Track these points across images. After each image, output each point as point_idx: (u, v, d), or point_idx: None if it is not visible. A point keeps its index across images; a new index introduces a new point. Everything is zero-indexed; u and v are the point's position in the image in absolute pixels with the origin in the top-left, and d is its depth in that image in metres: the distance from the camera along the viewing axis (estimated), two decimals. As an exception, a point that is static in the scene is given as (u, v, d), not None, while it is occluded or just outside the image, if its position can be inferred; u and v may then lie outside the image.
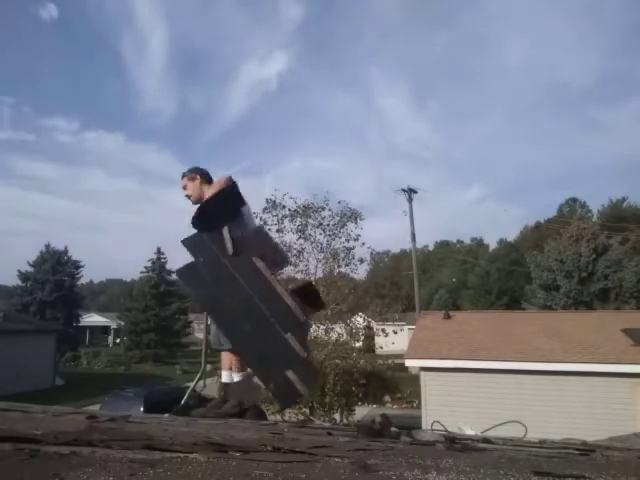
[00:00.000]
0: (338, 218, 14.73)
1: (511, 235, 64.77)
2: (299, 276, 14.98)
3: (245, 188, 3.02)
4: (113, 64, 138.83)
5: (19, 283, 38.93)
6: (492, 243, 65.31)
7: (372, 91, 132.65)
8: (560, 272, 31.11)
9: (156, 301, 37.61)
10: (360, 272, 16.36)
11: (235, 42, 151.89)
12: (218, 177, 3.33)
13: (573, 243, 31.28)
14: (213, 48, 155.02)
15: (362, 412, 14.29)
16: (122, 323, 40.87)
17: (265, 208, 14.12)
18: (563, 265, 31.05)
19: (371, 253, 16.00)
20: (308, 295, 2.65)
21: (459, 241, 74.38)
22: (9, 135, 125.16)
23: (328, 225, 14.72)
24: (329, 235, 14.77)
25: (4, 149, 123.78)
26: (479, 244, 67.84)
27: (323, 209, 14.70)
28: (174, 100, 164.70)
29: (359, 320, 16.38)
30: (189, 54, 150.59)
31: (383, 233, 77.65)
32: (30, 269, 38.72)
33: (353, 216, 14.83)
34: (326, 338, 14.19)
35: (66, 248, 40.15)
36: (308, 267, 14.86)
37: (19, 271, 38.80)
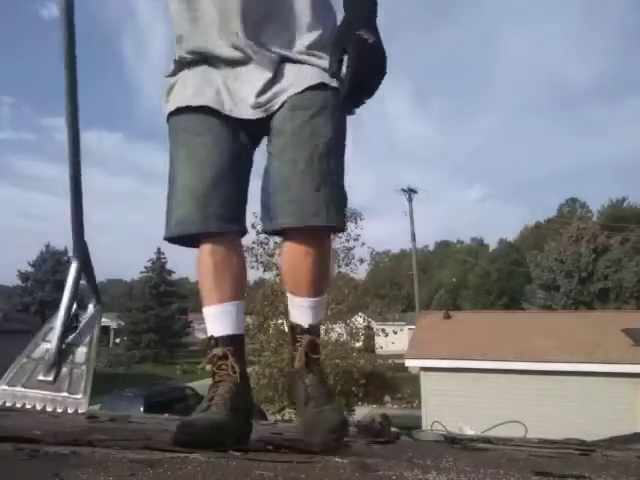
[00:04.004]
0: (338, 218, 14.72)
1: (511, 235, 64.88)
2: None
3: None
4: (113, 63, 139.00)
5: (19, 283, 38.93)
6: (492, 243, 65.26)
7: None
8: (560, 272, 31.11)
9: (156, 301, 37.60)
10: (360, 272, 16.38)
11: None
12: None
13: (573, 243, 31.28)
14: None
15: (362, 412, 14.29)
16: (122, 323, 40.85)
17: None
18: (563, 265, 31.04)
19: (371, 253, 16.01)
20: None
21: (459, 241, 74.33)
22: (9, 135, 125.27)
23: (328, 225, 14.70)
24: (329, 235, 14.75)
25: (4, 149, 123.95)
26: (479, 244, 67.77)
27: (323, 209, 14.68)
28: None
29: (359, 320, 16.37)
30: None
31: (383, 233, 77.82)
32: (30, 269, 38.73)
33: (353, 216, 14.81)
34: (326, 338, 14.18)
35: (66, 248, 40.02)
36: (308, 267, 14.84)
37: (19, 271, 38.82)
